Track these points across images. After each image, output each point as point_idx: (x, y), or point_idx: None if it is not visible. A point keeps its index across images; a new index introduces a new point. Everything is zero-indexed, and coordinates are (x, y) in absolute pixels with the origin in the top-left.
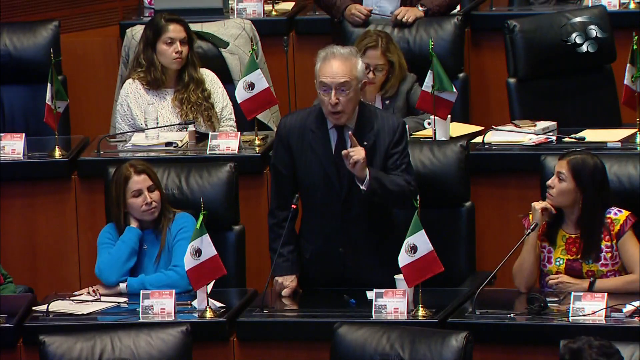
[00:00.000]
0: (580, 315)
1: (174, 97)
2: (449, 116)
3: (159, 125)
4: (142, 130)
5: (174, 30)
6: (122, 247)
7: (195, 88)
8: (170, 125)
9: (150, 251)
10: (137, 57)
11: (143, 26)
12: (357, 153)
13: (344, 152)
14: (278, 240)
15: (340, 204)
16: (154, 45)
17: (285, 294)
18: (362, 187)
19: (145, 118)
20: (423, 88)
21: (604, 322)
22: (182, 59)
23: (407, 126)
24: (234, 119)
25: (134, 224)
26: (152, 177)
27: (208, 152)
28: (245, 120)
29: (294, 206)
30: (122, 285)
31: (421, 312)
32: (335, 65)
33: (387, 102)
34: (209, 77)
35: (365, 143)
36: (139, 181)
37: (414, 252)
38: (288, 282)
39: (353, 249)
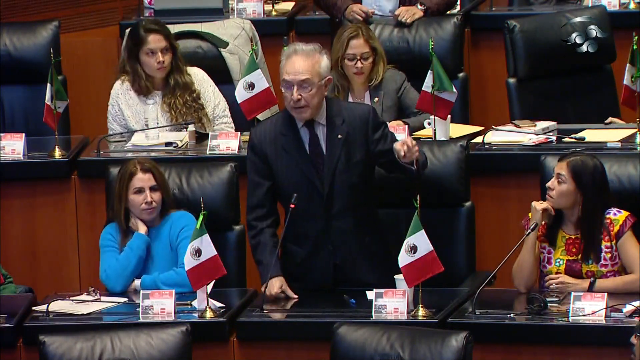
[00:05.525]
0: (580, 315)
1: (163, 100)
2: (449, 116)
3: (157, 126)
4: (137, 130)
5: (154, 41)
6: (130, 256)
7: (182, 92)
8: (170, 125)
9: (150, 250)
10: (123, 64)
11: None
12: (410, 143)
13: (398, 149)
14: (258, 249)
15: (322, 202)
16: (136, 55)
17: (272, 298)
18: (413, 168)
19: (136, 118)
20: (423, 88)
21: (604, 322)
22: (165, 67)
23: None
24: (229, 115)
25: (142, 229)
26: (157, 177)
27: (208, 152)
28: (245, 120)
29: (292, 205)
30: (137, 282)
31: (421, 312)
32: (297, 62)
33: (375, 99)
34: (199, 77)
35: (339, 136)
36: (142, 179)
37: (414, 252)
38: (270, 287)
39: (341, 246)
